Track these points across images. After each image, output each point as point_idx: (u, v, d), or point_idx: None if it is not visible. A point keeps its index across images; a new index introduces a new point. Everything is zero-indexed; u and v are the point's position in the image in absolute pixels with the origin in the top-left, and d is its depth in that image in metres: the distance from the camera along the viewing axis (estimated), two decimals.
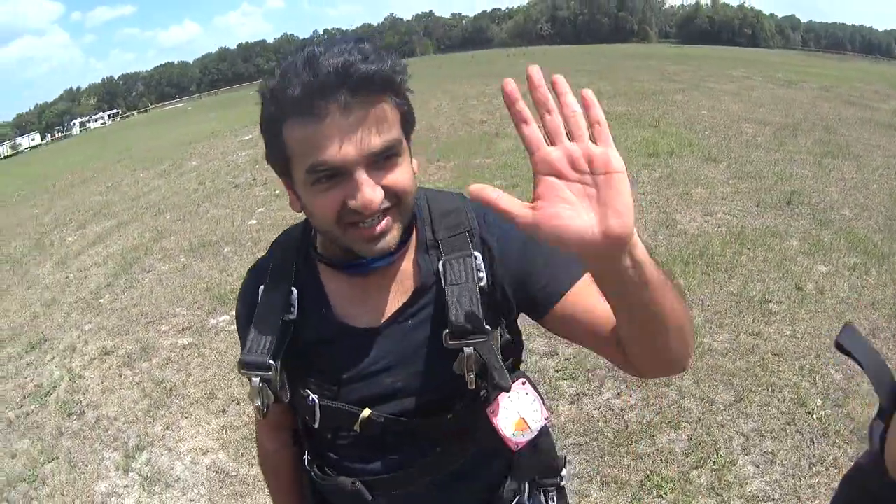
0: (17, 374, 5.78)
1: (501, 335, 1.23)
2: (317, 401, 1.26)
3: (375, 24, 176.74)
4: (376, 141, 1.01)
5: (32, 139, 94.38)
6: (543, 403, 1.27)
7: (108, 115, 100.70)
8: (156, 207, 11.69)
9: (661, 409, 3.82)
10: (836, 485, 3.11)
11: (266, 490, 3.71)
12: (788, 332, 4.55)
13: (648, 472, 3.35)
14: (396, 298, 1.24)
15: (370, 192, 1.02)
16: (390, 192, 1.07)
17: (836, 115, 13.36)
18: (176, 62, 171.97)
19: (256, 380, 1.21)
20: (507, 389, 1.17)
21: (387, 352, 1.23)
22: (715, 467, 3.35)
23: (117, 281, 7.83)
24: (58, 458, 4.32)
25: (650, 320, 0.94)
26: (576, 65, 29.22)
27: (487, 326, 1.14)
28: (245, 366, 1.22)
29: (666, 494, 3.22)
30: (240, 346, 1.32)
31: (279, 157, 1.09)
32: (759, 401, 3.84)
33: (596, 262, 0.86)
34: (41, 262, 9.70)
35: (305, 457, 1.41)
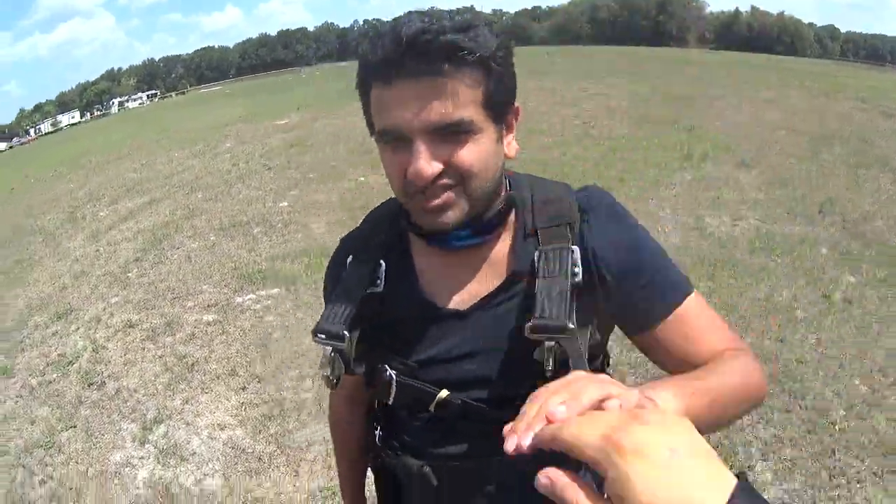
0: (42, 342, 5.88)
1: (592, 334, 1.16)
2: (394, 377, 1.22)
3: None
4: (436, 114, 0.97)
5: (73, 117, 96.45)
6: None
7: (147, 96, 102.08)
8: (188, 186, 11.79)
9: None
10: (857, 500, 3.06)
11: (280, 469, 3.76)
12: (813, 341, 4.48)
13: None
14: (487, 282, 1.19)
15: (422, 164, 0.99)
16: (452, 170, 1.02)
17: (872, 126, 13.08)
18: (216, 46, 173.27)
19: (328, 349, 1.18)
20: None
21: (471, 337, 1.19)
22: (732, 470, 3.29)
23: (146, 256, 7.92)
24: (75, 427, 4.38)
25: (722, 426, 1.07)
26: (612, 66, 29.07)
27: (571, 325, 1.05)
28: (319, 332, 1.19)
29: None
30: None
31: (368, 119, 1.09)
32: (781, 407, 3.79)
33: None
34: (73, 235, 9.86)
35: (377, 431, 1.38)
